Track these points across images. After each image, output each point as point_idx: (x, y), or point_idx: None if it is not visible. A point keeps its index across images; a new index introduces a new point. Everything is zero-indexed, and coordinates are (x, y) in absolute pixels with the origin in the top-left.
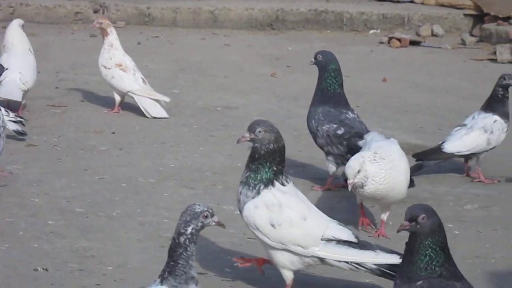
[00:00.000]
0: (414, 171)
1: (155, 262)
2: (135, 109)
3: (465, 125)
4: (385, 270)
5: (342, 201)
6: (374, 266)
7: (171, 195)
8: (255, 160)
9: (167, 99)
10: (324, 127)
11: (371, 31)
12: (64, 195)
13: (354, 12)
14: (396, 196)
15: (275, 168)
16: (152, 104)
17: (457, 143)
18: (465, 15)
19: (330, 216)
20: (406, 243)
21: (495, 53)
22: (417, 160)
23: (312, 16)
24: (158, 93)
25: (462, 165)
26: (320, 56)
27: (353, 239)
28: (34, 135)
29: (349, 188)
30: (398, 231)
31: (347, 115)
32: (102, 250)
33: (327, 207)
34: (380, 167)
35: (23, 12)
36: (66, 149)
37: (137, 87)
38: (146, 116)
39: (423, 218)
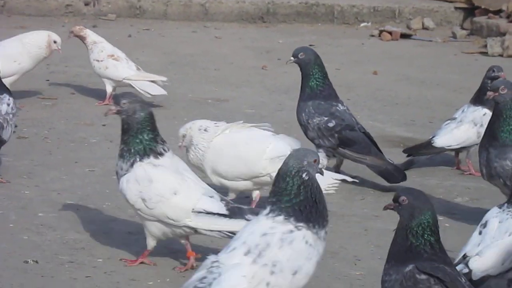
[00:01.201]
0: (407, 166)
1: None
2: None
3: (454, 118)
4: None
5: (332, 193)
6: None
7: None
8: (126, 132)
9: (164, 78)
10: (315, 120)
11: (362, 24)
12: (54, 187)
13: (345, 5)
14: (227, 177)
15: (146, 138)
16: (150, 84)
17: (447, 137)
18: (456, 8)
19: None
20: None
21: (485, 46)
22: (408, 156)
23: (303, 9)
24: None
25: (452, 158)
26: (303, 54)
27: (224, 211)
28: (24, 127)
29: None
30: (384, 209)
31: (337, 108)
32: (92, 242)
33: None
34: (204, 137)
35: (14, 4)
36: (56, 142)
37: (132, 72)
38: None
39: (404, 200)
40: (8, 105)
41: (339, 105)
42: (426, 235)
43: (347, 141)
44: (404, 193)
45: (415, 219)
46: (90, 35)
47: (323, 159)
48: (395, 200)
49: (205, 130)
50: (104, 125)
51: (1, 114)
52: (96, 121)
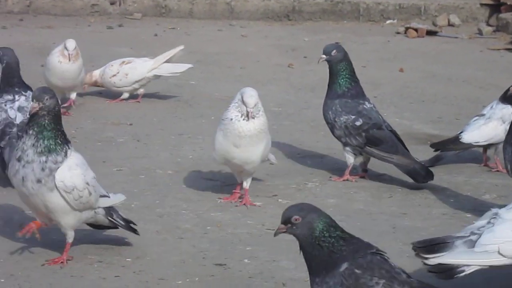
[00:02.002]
0: (434, 162)
1: (174, 254)
2: (152, 101)
3: (483, 115)
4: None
5: (360, 191)
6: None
7: (189, 186)
8: (49, 126)
9: (181, 47)
10: (342, 118)
11: (388, 21)
12: None
13: (370, 2)
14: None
15: (62, 131)
16: (173, 65)
17: (475, 133)
18: (482, 4)
19: (350, 207)
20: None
21: (511, 42)
22: (435, 151)
23: (328, 6)
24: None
25: (480, 155)
26: (335, 52)
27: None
28: None
29: (248, 117)
30: (275, 235)
31: (364, 106)
32: (120, 242)
33: (346, 198)
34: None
35: (40, 4)
36: (84, 141)
37: (151, 62)
38: (162, 107)
39: (297, 219)
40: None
41: (366, 103)
42: (333, 234)
43: (374, 140)
44: (294, 212)
45: (316, 229)
46: (97, 74)
47: (350, 157)
48: (286, 222)
49: None
50: (131, 124)
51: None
52: (123, 120)
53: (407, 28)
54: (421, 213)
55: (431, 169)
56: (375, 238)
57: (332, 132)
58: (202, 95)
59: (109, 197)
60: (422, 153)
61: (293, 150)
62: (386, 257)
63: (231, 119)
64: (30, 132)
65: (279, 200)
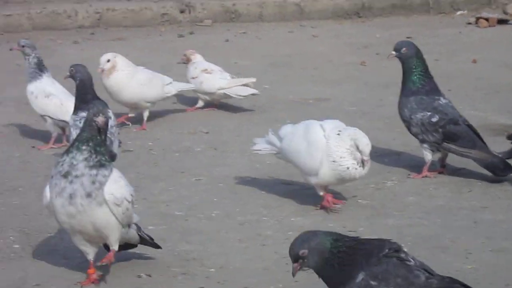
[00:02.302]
0: (510, 154)
1: (257, 261)
2: (227, 108)
3: None
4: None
5: (439, 187)
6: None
7: (269, 192)
8: (102, 142)
9: (253, 80)
10: (418, 116)
11: (458, 13)
12: (162, 199)
13: None
14: None
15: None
16: (241, 88)
17: None
18: None
19: (430, 204)
20: None
21: None
22: None
23: (398, 1)
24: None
25: None
26: (406, 49)
27: None
28: (129, 140)
29: (364, 165)
30: (293, 276)
31: (440, 102)
32: (203, 252)
33: (425, 195)
34: None
35: (110, 17)
36: (161, 152)
37: (225, 82)
38: (238, 114)
39: (304, 253)
40: (110, 118)
41: (441, 98)
42: (340, 248)
43: (452, 135)
44: (298, 247)
45: (326, 251)
46: (196, 57)
47: (427, 154)
48: (297, 259)
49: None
50: (207, 133)
51: None
52: (199, 129)
53: (477, 18)
54: (502, 206)
55: (509, 161)
56: (456, 234)
57: (409, 129)
58: (276, 98)
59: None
60: (499, 145)
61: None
62: (402, 257)
63: (348, 168)
64: (84, 147)
65: (359, 200)
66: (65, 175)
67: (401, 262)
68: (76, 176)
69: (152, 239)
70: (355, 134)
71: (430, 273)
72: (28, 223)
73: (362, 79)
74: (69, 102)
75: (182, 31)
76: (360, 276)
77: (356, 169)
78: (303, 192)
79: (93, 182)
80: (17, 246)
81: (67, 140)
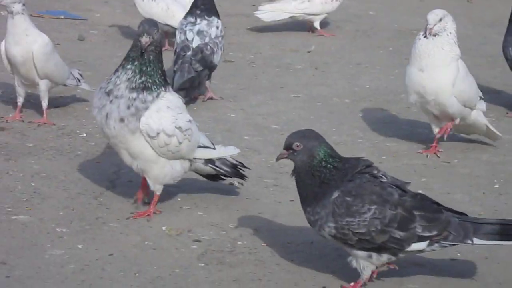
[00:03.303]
0: None
1: None
2: (331, 29)
3: None
4: (234, 163)
5: None
6: (228, 162)
7: (366, 115)
8: (151, 62)
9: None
10: None
11: None
12: (260, 111)
13: None
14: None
15: (163, 70)
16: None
17: None
18: None
19: None
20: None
21: None
22: None
23: None
24: None
25: None
26: None
27: (212, 146)
28: (231, 51)
29: (428, 32)
30: (276, 160)
31: None
32: None
33: None
34: (455, 34)
35: None
36: (262, 66)
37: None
38: (341, 36)
39: (298, 146)
40: (217, 28)
41: None
42: (329, 165)
43: None
44: (296, 138)
45: (316, 157)
46: None
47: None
48: (288, 147)
49: None
50: (309, 52)
51: (211, 38)
52: (301, 48)
53: None
54: None
55: None
56: None
57: (511, 68)
58: (381, 25)
59: (213, 148)
60: None
61: None
62: (374, 173)
63: (416, 39)
64: (129, 66)
65: (455, 133)
66: (108, 93)
67: (374, 178)
68: (116, 97)
69: (236, 168)
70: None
71: (403, 189)
72: None
73: (467, 15)
74: (175, 6)
75: None
76: (336, 193)
77: (419, 39)
78: (400, 118)
79: (128, 107)
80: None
81: (169, 44)
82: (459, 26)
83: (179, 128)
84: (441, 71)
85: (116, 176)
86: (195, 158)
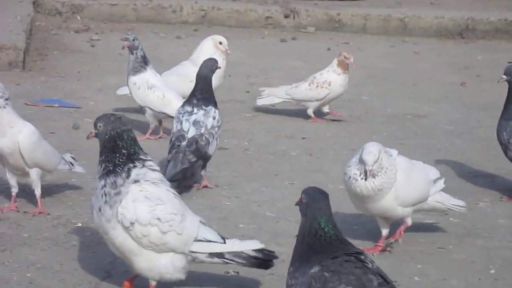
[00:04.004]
0: None
1: None
2: (324, 116)
3: None
4: (254, 256)
5: None
6: (244, 254)
7: None
8: (102, 151)
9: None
10: None
11: None
12: (254, 199)
13: None
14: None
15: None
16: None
17: None
18: None
19: None
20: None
21: None
22: None
23: (502, 26)
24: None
25: None
26: None
27: (220, 240)
28: (225, 138)
29: (366, 176)
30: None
31: None
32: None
33: None
34: (391, 163)
35: (215, 15)
36: (257, 153)
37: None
38: (335, 122)
39: (305, 200)
40: (214, 118)
41: None
42: (323, 234)
43: None
44: (307, 196)
45: (315, 223)
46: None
47: None
48: (300, 199)
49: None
50: (304, 138)
51: (207, 128)
52: (296, 134)
53: None
54: None
55: None
56: None
57: (505, 153)
58: (375, 110)
59: (221, 242)
60: None
61: (464, 169)
62: (362, 259)
63: (350, 178)
64: (99, 162)
65: (450, 219)
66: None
67: (359, 261)
68: (95, 188)
69: (257, 258)
70: (366, 144)
71: (385, 279)
72: None
73: (461, 99)
74: (171, 95)
75: (284, 36)
76: (316, 268)
77: (356, 180)
78: None
79: (102, 196)
80: None
81: (164, 132)
82: (453, 110)
83: (158, 219)
84: (382, 202)
85: (112, 266)
86: (193, 252)
